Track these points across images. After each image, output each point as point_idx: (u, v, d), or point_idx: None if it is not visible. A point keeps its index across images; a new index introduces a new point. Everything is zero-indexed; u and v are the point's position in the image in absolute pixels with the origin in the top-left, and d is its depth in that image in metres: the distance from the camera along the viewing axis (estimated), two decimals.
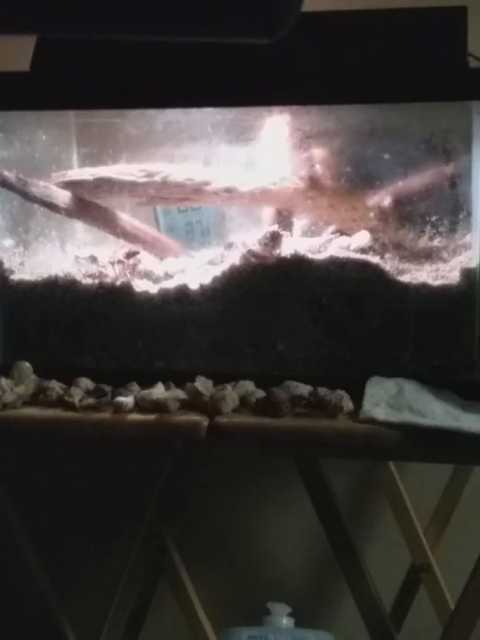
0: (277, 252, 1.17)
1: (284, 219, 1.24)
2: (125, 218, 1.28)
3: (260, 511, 1.60)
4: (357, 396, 1.08)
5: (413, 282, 1.14)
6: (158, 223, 1.32)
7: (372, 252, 1.16)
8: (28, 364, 1.18)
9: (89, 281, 1.21)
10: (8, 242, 1.27)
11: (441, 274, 1.15)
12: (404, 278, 1.14)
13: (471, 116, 1.11)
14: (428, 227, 1.17)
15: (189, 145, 1.24)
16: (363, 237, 1.19)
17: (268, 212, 1.26)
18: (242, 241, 1.20)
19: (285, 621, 1.38)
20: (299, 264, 1.16)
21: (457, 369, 1.13)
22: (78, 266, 1.24)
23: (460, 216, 1.15)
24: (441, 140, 1.15)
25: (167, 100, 1.16)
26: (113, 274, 1.22)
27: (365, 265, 1.15)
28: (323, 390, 1.10)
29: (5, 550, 1.24)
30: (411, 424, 1.03)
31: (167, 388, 1.12)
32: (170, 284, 1.20)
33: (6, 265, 1.24)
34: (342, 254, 1.16)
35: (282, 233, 1.18)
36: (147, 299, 1.19)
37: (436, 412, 1.05)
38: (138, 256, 1.24)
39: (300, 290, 1.16)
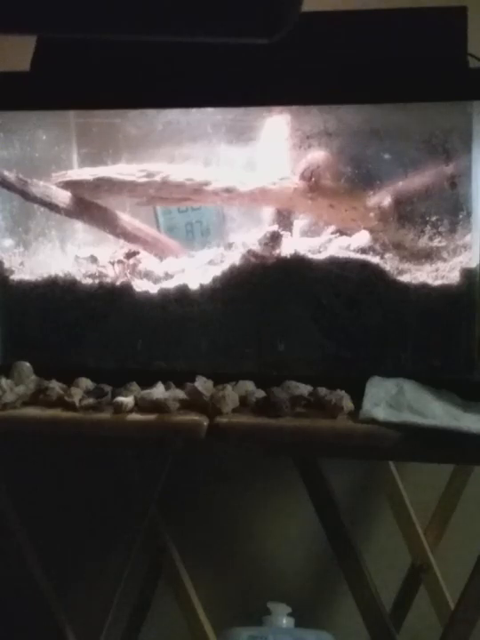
0: (277, 251, 1.17)
1: (284, 219, 1.24)
2: (125, 218, 1.28)
3: (260, 511, 1.60)
4: (357, 396, 1.08)
5: (413, 282, 1.14)
6: (158, 223, 1.32)
7: (372, 252, 1.16)
8: (27, 364, 1.17)
9: (89, 281, 1.21)
10: (8, 242, 1.27)
11: (441, 274, 1.15)
12: (404, 278, 1.14)
13: (471, 116, 1.11)
14: (428, 227, 1.16)
15: (189, 145, 1.24)
16: (363, 237, 1.19)
17: (267, 212, 1.26)
18: (242, 241, 1.20)
19: (285, 621, 1.38)
20: (299, 264, 1.16)
21: (457, 369, 1.13)
22: (78, 266, 1.24)
23: (460, 216, 1.15)
24: (441, 140, 1.15)
25: (167, 100, 1.16)
26: (113, 274, 1.22)
27: (365, 265, 1.15)
28: (323, 390, 1.10)
29: (5, 550, 1.24)
30: (411, 424, 1.03)
31: (167, 388, 1.12)
32: (170, 284, 1.20)
33: (6, 265, 1.24)
34: (342, 254, 1.16)
35: (282, 233, 1.18)
36: (147, 299, 1.19)
37: (436, 412, 1.05)
38: (138, 256, 1.24)
39: (300, 290, 1.16)
